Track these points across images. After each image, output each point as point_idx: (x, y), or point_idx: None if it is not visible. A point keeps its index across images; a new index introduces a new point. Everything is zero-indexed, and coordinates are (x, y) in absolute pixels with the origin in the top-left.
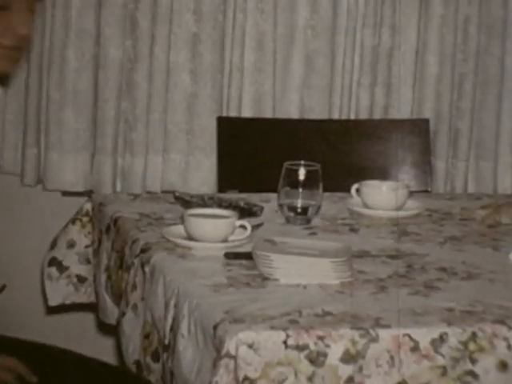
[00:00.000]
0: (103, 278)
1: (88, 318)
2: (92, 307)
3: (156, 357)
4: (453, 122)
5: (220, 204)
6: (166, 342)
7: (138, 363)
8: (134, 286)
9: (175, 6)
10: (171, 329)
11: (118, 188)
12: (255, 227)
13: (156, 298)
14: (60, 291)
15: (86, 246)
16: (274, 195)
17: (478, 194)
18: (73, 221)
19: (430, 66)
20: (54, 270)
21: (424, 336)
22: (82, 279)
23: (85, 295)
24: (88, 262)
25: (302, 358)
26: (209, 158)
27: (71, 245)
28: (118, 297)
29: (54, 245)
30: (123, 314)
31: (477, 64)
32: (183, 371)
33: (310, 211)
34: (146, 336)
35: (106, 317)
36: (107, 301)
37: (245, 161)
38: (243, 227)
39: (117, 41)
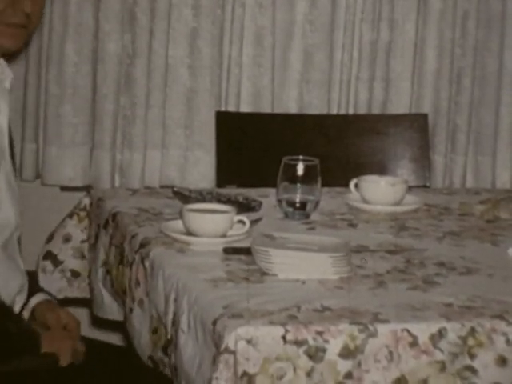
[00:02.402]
0: (100, 273)
1: (81, 313)
2: (85, 302)
3: (167, 350)
4: (451, 117)
5: (219, 199)
6: (169, 336)
7: (152, 358)
8: (137, 282)
9: (174, 0)
10: (172, 323)
11: (117, 183)
12: (254, 222)
13: (157, 293)
14: (53, 285)
15: (82, 241)
16: (272, 190)
17: (477, 188)
18: (70, 215)
19: (428, 61)
20: (48, 264)
21: (423, 331)
22: (75, 274)
23: (78, 290)
24: (83, 257)
25: (300, 354)
26: (207, 152)
27: (67, 239)
28: (122, 292)
29: (50, 238)
30: (131, 311)
31: (475, 59)
32: (185, 366)
33: (309, 206)
34: (155, 331)
35: (102, 312)
36: (105, 296)
37: (243, 156)
38: (242, 222)
39: (115, 36)
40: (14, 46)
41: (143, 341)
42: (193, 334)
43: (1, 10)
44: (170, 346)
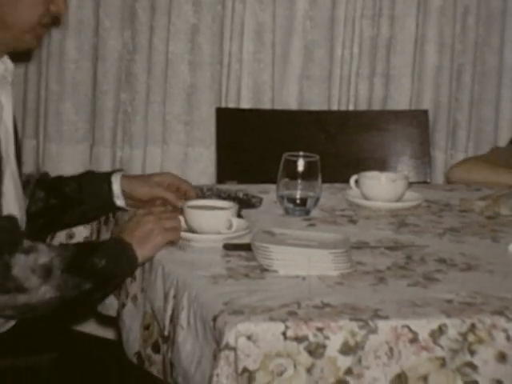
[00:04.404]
0: None
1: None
2: None
3: (157, 348)
4: (452, 113)
5: (219, 195)
6: (166, 333)
7: (138, 354)
8: (134, 277)
9: None
10: (171, 320)
11: None
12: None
13: (155, 289)
14: None
15: (85, 238)
16: (273, 186)
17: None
18: None
19: (428, 57)
20: None
21: (423, 327)
22: None
23: None
24: None
25: (301, 350)
26: (208, 149)
27: (70, 236)
28: (118, 288)
29: (52, 236)
30: (123, 306)
31: (476, 55)
32: (183, 362)
33: (309, 202)
34: (146, 327)
35: (104, 308)
36: None
37: (244, 152)
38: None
39: (116, 32)
40: (36, 45)
41: (132, 337)
42: (192, 330)
43: (42, 12)
44: (165, 342)
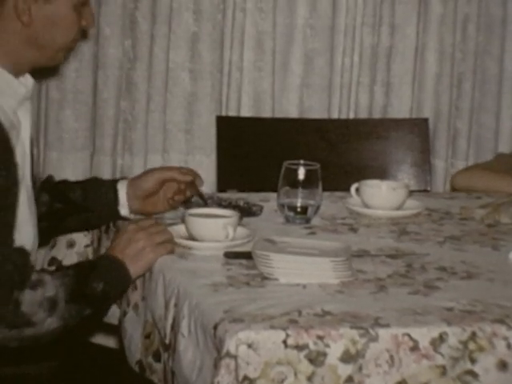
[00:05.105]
0: None
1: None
2: None
3: (157, 356)
4: (452, 122)
5: (220, 203)
6: (167, 341)
7: (140, 363)
8: (135, 286)
9: (174, 5)
10: (172, 328)
11: None
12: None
13: (156, 298)
14: None
15: (86, 246)
16: (273, 195)
17: (478, 193)
18: None
19: (429, 65)
20: None
21: (424, 335)
22: None
23: None
24: None
25: (301, 358)
26: (208, 157)
27: (71, 244)
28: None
29: (53, 244)
30: (124, 314)
31: (476, 63)
32: (184, 371)
33: (310, 211)
34: (147, 336)
35: (106, 317)
36: None
37: (244, 160)
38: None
39: (116, 40)
40: (63, 61)
41: (133, 345)
42: (193, 338)
43: (77, 30)
44: (166, 351)
